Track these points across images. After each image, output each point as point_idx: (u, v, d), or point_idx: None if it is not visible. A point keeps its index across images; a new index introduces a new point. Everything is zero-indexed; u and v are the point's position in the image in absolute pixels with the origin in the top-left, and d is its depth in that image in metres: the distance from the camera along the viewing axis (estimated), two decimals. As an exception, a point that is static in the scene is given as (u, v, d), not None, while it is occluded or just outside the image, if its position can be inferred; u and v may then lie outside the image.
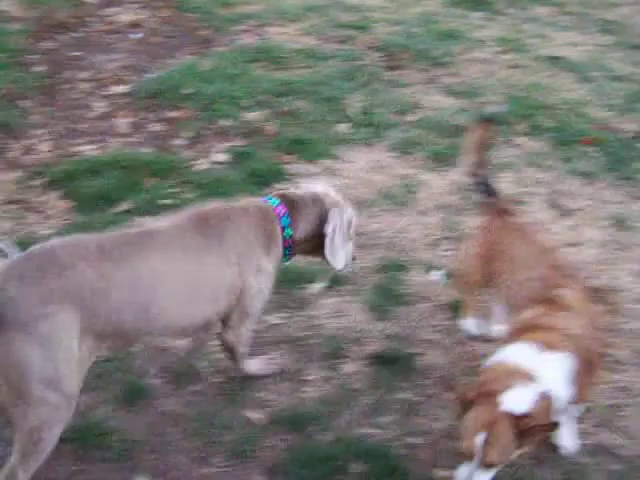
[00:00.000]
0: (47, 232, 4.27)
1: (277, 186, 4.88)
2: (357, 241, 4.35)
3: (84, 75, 6.34)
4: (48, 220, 4.39)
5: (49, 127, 5.45)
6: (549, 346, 2.86)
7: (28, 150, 5.12)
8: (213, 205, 3.20)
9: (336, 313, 3.93)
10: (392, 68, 6.80)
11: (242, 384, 3.44)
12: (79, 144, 5.27)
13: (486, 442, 2.65)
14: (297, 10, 7.93)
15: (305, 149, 5.34)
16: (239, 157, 5.17)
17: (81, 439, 3.08)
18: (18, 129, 5.37)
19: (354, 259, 3.54)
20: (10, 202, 4.51)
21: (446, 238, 4.57)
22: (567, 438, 3.29)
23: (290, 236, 3.23)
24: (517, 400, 2.70)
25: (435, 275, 4.21)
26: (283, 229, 3.21)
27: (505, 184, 5.09)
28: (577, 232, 4.80)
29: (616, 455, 3.33)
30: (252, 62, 6.66)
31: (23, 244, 4.08)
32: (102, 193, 4.63)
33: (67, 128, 5.50)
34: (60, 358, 2.57)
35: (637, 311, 4.17)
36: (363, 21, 7.75)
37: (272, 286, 3.25)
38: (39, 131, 5.38)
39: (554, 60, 7.45)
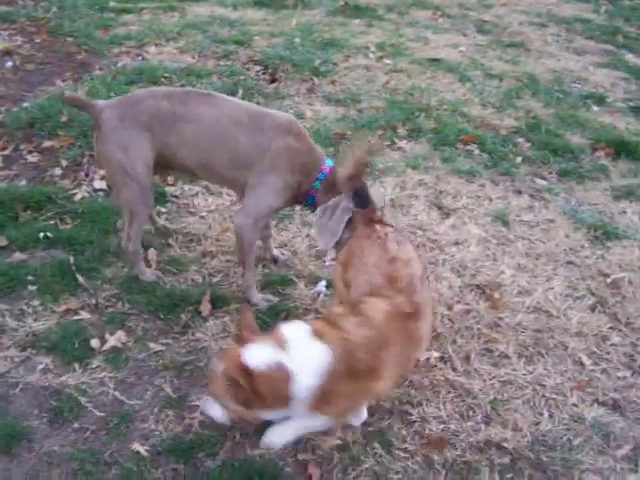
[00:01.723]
0: None
1: (161, 209, 4.82)
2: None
3: (-45, 108, 6.12)
4: None
5: None
6: (318, 335, 2.94)
7: None
8: (286, 117, 4.03)
9: (222, 333, 3.88)
10: (273, 80, 6.82)
11: (126, 416, 3.35)
12: (-50, 181, 5.07)
13: (217, 374, 2.90)
14: (176, 28, 7.90)
15: (186, 169, 5.27)
16: (119, 183, 5.07)
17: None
18: None
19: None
20: None
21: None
22: (275, 433, 3.17)
23: (315, 189, 3.88)
24: (254, 355, 2.84)
25: (320, 286, 4.21)
26: (316, 180, 3.86)
27: (388, 188, 5.17)
28: (460, 230, 4.89)
29: (503, 448, 3.38)
30: (131, 84, 6.56)
31: None
32: (-25, 230, 4.46)
33: (-63, 165, 5.28)
34: (133, 158, 3.79)
35: (520, 305, 4.27)
36: (243, 36, 7.77)
37: (281, 204, 3.97)
38: None
39: (433, 62, 7.64)
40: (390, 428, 3.43)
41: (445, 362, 3.85)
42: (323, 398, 2.91)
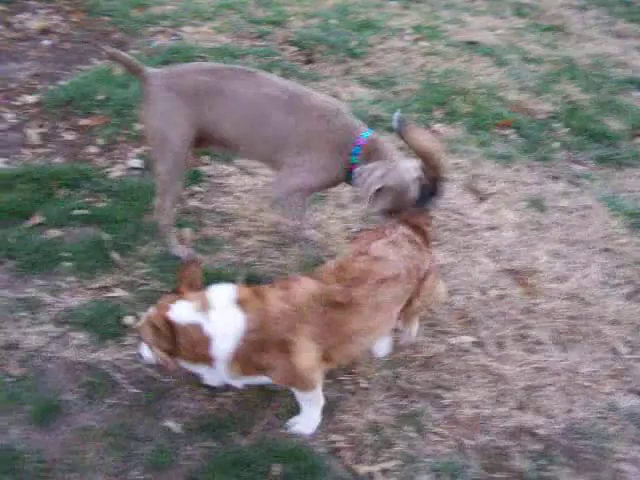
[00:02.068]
0: (-45, 252, 4.14)
1: (195, 188, 4.83)
2: (276, 240, 4.38)
3: (-7, 86, 6.17)
4: (-43, 239, 4.25)
5: (-43, 142, 5.29)
6: (241, 302, 3.03)
7: None
8: (321, 97, 3.97)
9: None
10: (309, 62, 6.78)
11: (159, 393, 3.37)
12: (-12, 158, 5.12)
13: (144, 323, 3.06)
14: (212, 8, 7.85)
15: (221, 149, 5.27)
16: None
17: (-8, 464, 2.99)
18: None
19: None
20: None
21: (365, 230, 4.56)
22: (301, 423, 3.34)
23: (352, 163, 3.80)
24: (179, 311, 3.00)
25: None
26: (351, 154, 3.81)
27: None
28: (495, 215, 4.85)
29: (536, 435, 3.36)
30: (167, 64, 6.54)
31: None
32: (13, 207, 4.48)
33: (-24, 142, 5.34)
34: (172, 128, 3.84)
35: (555, 291, 4.23)
36: (278, 16, 7.70)
37: (315, 183, 3.95)
38: (-55, 147, 5.22)
39: (470, 45, 7.53)
40: (422, 411, 3.43)
41: (479, 347, 3.83)
42: (241, 362, 3.03)
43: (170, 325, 2.97)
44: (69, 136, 5.45)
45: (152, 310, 3.08)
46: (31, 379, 3.40)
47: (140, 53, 6.72)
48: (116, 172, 4.96)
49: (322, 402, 3.30)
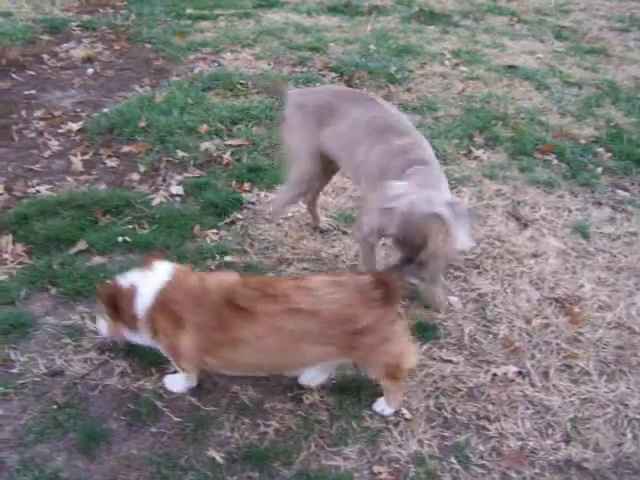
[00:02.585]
0: (1, 278, 4.19)
1: (237, 215, 4.85)
2: (317, 268, 4.37)
3: (39, 113, 6.30)
4: (2, 266, 4.30)
5: (3, 169, 5.38)
6: (174, 272, 3.35)
7: (-19, 194, 5.05)
8: (406, 140, 3.94)
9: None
10: (349, 87, 6.79)
11: (202, 422, 3.36)
12: (34, 185, 5.20)
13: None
14: (252, 35, 7.96)
15: (262, 176, 5.32)
16: (195, 188, 5.14)
17: (37, 492, 3.00)
18: (-28, 173, 5.30)
19: None
20: (-37, 248, 4.42)
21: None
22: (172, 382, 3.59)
23: None
24: (127, 279, 3.37)
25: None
26: None
27: (465, 198, 5.09)
28: (538, 242, 4.79)
29: (584, 469, 3.29)
30: (207, 90, 6.65)
31: (-25, 292, 4.03)
32: (57, 234, 4.55)
33: (22, 169, 5.43)
34: (299, 142, 4.26)
35: (600, 320, 4.15)
36: (318, 42, 7.78)
37: None
38: (-7, 173, 5.31)
39: (510, 69, 7.52)
40: (467, 443, 3.37)
41: (523, 377, 3.77)
42: (151, 323, 3.30)
43: (117, 289, 3.36)
44: (112, 163, 5.53)
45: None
46: (75, 407, 3.41)
47: (182, 80, 6.81)
48: (158, 199, 5.01)
49: (190, 384, 3.53)
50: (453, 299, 4.24)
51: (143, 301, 3.28)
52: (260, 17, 9.01)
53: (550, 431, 3.46)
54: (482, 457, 3.32)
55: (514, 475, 3.24)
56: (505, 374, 3.77)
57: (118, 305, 3.35)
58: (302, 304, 3.13)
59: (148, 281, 3.32)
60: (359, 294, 3.16)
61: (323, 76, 7.03)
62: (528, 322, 4.12)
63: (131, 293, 3.31)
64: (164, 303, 3.25)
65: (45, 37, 8.11)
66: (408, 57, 7.62)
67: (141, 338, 3.45)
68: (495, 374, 3.76)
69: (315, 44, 7.83)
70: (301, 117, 4.23)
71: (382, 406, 3.49)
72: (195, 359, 3.32)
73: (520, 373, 3.79)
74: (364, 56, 7.48)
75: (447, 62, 7.59)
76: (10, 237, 4.52)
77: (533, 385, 3.72)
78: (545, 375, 3.78)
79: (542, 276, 4.48)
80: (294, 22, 8.78)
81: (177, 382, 3.54)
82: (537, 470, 3.27)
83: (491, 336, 4.02)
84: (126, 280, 3.37)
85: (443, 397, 3.61)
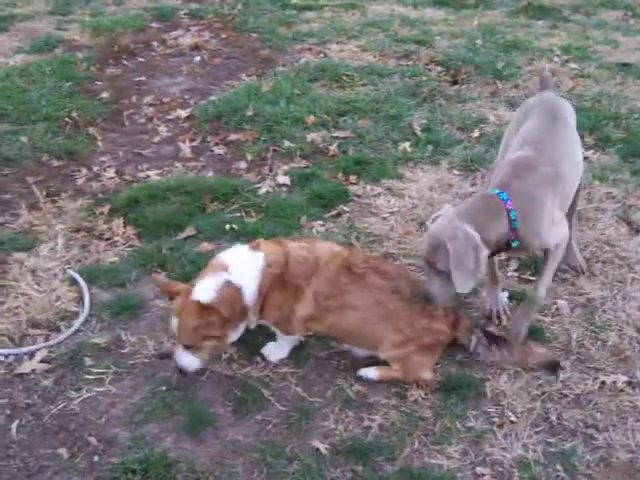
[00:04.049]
0: (112, 259, 4.32)
1: (343, 208, 4.86)
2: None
3: (148, 99, 6.46)
4: (113, 248, 4.44)
5: (114, 153, 5.55)
6: (254, 248, 3.38)
7: (94, 177, 5.21)
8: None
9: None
10: (455, 82, 6.73)
11: (307, 412, 3.40)
12: (144, 169, 5.34)
13: (178, 326, 3.22)
14: (357, 27, 7.95)
15: (368, 169, 5.31)
16: (302, 179, 5.18)
17: (146, 470, 3.07)
18: (85, 156, 5.48)
19: None
20: (77, 230, 4.57)
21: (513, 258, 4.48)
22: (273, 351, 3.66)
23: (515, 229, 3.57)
24: (204, 289, 3.19)
25: (502, 296, 4.11)
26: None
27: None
28: (650, 249, 4.63)
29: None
30: (313, 81, 6.68)
31: (89, 272, 4.17)
32: (166, 219, 4.66)
33: (132, 153, 5.60)
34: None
35: None
36: (424, 35, 7.72)
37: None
38: (105, 158, 5.47)
39: (624, 67, 7.28)
40: (573, 451, 3.29)
41: (634, 387, 3.65)
42: (262, 304, 3.34)
43: (201, 307, 3.16)
44: (219, 150, 5.62)
45: (180, 317, 3.25)
46: (184, 390, 3.49)
47: (288, 70, 6.87)
48: (265, 188, 5.07)
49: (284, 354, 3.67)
50: (561, 303, 4.14)
51: (250, 290, 3.30)
52: (365, 8, 9.01)
53: (662, 446, 3.35)
54: (589, 467, 3.24)
55: (623, 488, 3.16)
56: (614, 383, 3.65)
57: (221, 316, 3.20)
58: (403, 289, 3.43)
59: (244, 269, 3.31)
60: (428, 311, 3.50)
61: (429, 70, 6.96)
62: (639, 331, 3.99)
63: (235, 291, 3.26)
64: (278, 278, 3.31)
65: (154, 25, 8.31)
66: (516, 53, 7.47)
67: (242, 328, 3.45)
68: (603, 382, 3.66)
69: (421, 37, 7.76)
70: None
71: (368, 369, 3.60)
72: (304, 326, 3.47)
73: (630, 383, 3.67)
74: (470, 50, 7.38)
75: (556, 58, 7.41)
76: (121, 220, 4.66)
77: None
78: (655, 384, 3.66)
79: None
80: (399, 14, 8.74)
81: (277, 351, 3.65)
82: (648, 485, 3.17)
83: (599, 343, 3.91)
84: (211, 291, 3.21)
85: (549, 402, 3.54)
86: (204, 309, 3.16)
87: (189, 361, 3.32)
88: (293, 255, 3.38)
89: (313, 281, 3.36)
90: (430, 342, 3.51)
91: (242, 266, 3.31)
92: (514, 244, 3.59)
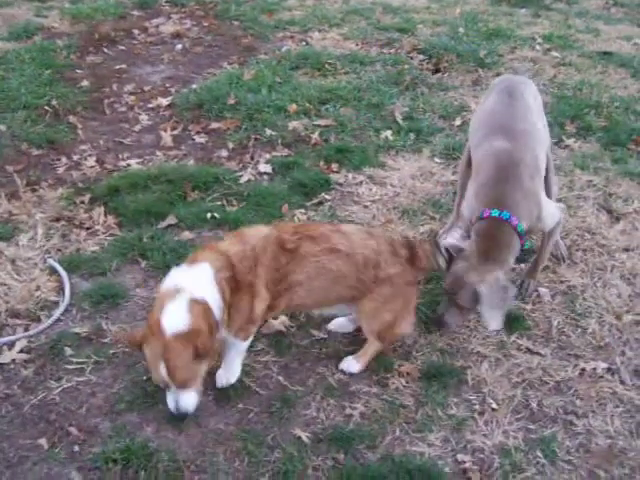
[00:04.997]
0: (93, 249, 4.30)
1: (325, 196, 4.85)
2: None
3: (129, 88, 6.41)
4: (94, 237, 4.40)
5: (95, 142, 5.50)
6: (192, 261, 3.19)
7: (74, 166, 5.16)
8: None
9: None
10: (437, 70, 6.72)
11: (288, 401, 3.39)
12: (124, 158, 5.30)
13: (167, 369, 2.91)
14: (339, 14, 7.93)
15: (350, 157, 5.31)
16: (283, 167, 5.16)
17: (127, 460, 3.06)
18: (65, 145, 5.43)
19: None
20: (57, 219, 4.53)
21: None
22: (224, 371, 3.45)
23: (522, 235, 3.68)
24: (175, 317, 2.93)
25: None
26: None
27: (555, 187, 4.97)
28: (631, 236, 4.67)
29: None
30: (295, 69, 6.66)
31: (69, 261, 4.14)
32: (147, 208, 4.63)
33: (113, 142, 5.55)
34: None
35: (697, 318, 4.03)
36: (406, 23, 7.71)
37: None
38: (85, 146, 5.43)
39: (605, 56, 7.31)
40: (554, 437, 3.32)
41: (613, 374, 3.68)
42: (229, 311, 3.16)
43: (183, 337, 2.92)
44: (200, 139, 5.59)
45: (152, 361, 2.99)
46: (165, 379, 3.48)
47: (270, 58, 6.83)
48: (246, 176, 5.05)
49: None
50: (542, 290, 4.17)
51: (215, 299, 3.09)
52: (347, -4, 8.98)
53: (641, 431, 3.38)
54: (569, 453, 3.27)
55: (602, 474, 3.18)
56: (594, 370, 3.69)
57: (209, 325, 3.02)
58: (339, 245, 3.35)
59: (198, 283, 3.07)
60: (388, 246, 3.45)
61: (411, 58, 6.95)
62: (618, 318, 4.02)
63: (204, 305, 3.02)
64: (232, 280, 3.14)
65: (135, 12, 8.24)
66: (498, 41, 7.48)
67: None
68: (583, 369, 3.69)
69: (403, 25, 7.75)
70: None
71: (349, 362, 3.58)
72: (263, 318, 3.41)
73: (609, 370, 3.71)
74: (453, 39, 7.37)
75: (538, 47, 7.43)
76: (102, 209, 4.63)
77: (623, 383, 3.63)
78: (636, 373, 3.69)
79: (634, 271, 4.36)
80: (382, 2, 8.71)
81: (229, 372, 3.43)
82: (626, 471, 3.20)
83: (580, 330, 3.94)
84: (178, 317, 2.95)
85: (530, 389, 3.57)
86: (187, 335, 2.91)
87: (189, 400, 3.05)
88: (232, 253, 3.20)
89: (259, 272, 3.22)
90: (390, 293, 3.43)
91: (194, 282, 3.07)
92: (525, 246, 3.80)
